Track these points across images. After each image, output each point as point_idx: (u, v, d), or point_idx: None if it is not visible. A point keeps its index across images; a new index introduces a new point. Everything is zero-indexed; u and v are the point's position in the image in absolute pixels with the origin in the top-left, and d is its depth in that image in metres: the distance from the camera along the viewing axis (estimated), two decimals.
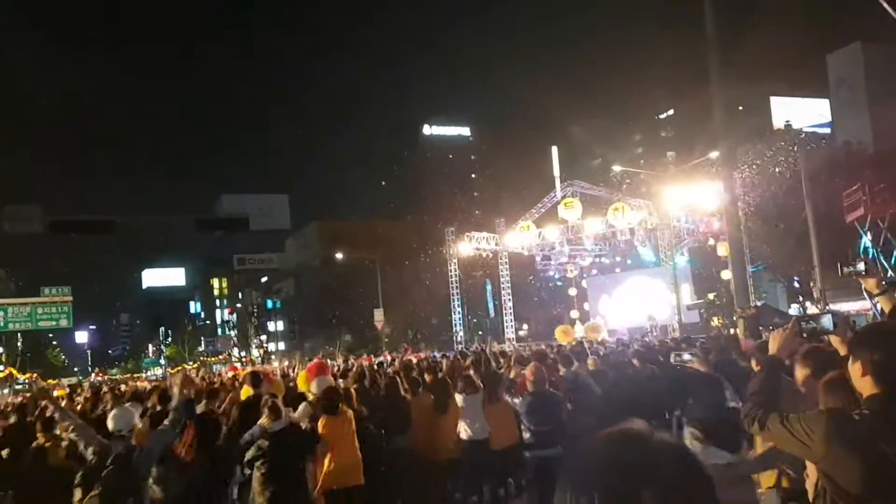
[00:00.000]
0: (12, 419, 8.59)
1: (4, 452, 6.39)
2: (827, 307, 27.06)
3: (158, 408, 6.92)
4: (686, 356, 6.42)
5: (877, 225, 24.93)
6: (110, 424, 5.94)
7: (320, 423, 6.42)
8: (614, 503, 0.88)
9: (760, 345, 3.12)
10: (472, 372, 8.56)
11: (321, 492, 6.33)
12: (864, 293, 22.88)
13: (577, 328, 32.09)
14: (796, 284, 39.34)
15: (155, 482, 5.12)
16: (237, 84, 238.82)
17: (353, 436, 6.56)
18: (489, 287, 38.97)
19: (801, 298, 38.89)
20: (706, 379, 5.87)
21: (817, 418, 2.41)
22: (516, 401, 7.33)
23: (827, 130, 50.66)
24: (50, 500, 5.43)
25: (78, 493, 5.35)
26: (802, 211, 28.67)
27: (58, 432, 6.17)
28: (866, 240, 25.51)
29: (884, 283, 3.13)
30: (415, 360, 13.96)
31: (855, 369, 2.40)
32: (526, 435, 7.08)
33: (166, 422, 5.57)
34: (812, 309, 34.67)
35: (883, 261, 24.42)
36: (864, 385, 2.36)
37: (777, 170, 35.01)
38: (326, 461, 6.37)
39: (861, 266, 3.16)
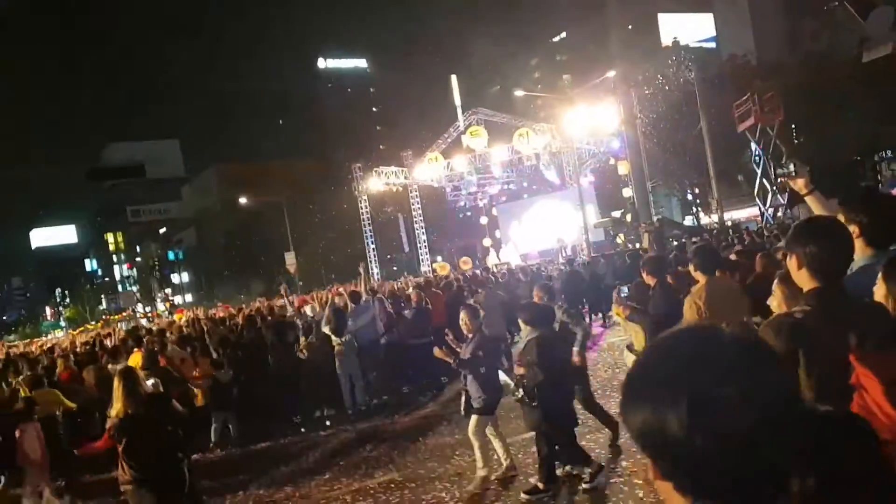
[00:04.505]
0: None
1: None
2: (723, 216, 28.65)
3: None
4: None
5: (766, 133, 26.04)
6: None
7: None
8: (702, 404, 0.86)
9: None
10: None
11: None
12: (788, 194, 24.17)
13: (490, 256, 32.66)
14: (690, 197, 41.17)
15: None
16: (117, 20, 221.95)
17: None
18: (402, 221, 38.81)
19: (694, 210, 40.83)
20: None
21: (764, 332, 2.36)
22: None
23: (713, 45, 52.30)
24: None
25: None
26: (695, 126, 29.84)
27: None
28: (756, 148, 26.70)
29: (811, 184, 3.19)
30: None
31: (791, 264, 2.40)
32: None
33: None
34: (705, 219, 36.46)
35: (773, 168, 25.66)
36: (802, 279, 2.38)
37: (668, 87, 35.95)
38: None
39: (791, 167, 3.24)
